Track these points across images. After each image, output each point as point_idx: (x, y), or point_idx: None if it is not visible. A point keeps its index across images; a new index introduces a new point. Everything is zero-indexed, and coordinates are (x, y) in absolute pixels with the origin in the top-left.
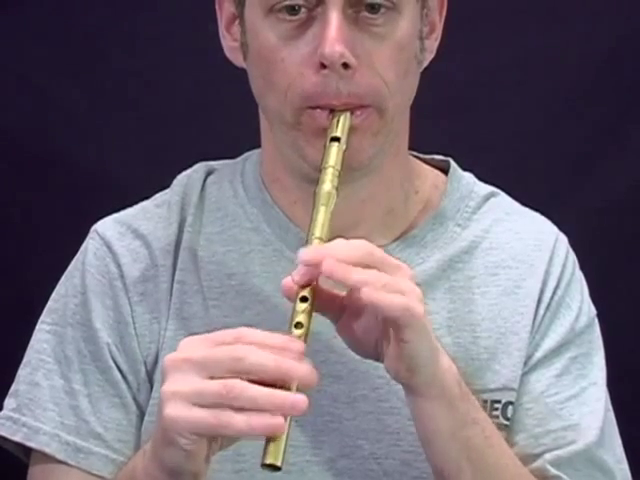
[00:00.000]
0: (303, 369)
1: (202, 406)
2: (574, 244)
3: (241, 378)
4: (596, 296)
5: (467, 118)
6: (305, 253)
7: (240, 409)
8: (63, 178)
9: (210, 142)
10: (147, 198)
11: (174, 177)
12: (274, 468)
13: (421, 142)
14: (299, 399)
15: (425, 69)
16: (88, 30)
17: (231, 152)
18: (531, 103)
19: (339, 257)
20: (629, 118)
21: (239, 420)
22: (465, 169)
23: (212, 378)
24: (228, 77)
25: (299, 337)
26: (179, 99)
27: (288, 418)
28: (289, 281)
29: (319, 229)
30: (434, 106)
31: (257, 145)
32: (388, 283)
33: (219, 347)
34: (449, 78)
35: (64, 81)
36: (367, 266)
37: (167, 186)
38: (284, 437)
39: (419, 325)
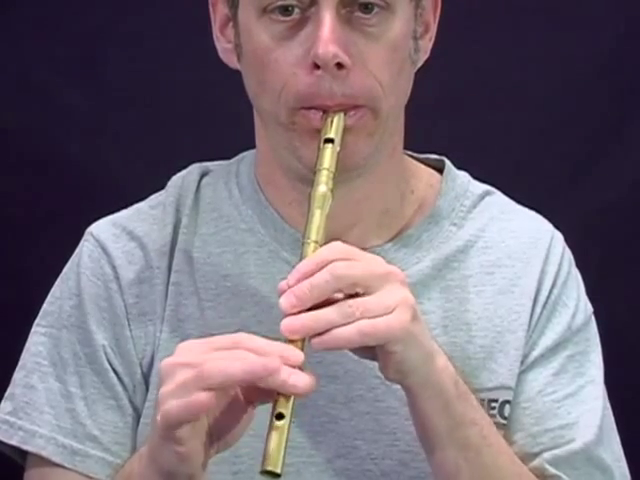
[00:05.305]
0: (301, 380)
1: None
2: (574, 244)
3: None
4: (595, 296)
5: (466, 118)
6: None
7: None
8: (63, 178)
9: (210, 142)
10: (146, 198)
11: None
12: (273, 475)
13: (420, 142)
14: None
15: (424, 69)
16: (88, 30)
17: (232, 152)
18: (531, 103)
19: (335, 274)
20: (629, 118)
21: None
22: (465, 169)
23: None
24: (228, 77)
25: (298, 341)
26: (179, 99)
27: (287, 424)
28: (285, 285)
29: (315, 232)
30: (434, 106)
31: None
32: (367, 309)
33: (216, 352)
34: (448, 78)
35: (64, 81)
36: (353, 284)
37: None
38: (283, 443)
39: (403, 336)
